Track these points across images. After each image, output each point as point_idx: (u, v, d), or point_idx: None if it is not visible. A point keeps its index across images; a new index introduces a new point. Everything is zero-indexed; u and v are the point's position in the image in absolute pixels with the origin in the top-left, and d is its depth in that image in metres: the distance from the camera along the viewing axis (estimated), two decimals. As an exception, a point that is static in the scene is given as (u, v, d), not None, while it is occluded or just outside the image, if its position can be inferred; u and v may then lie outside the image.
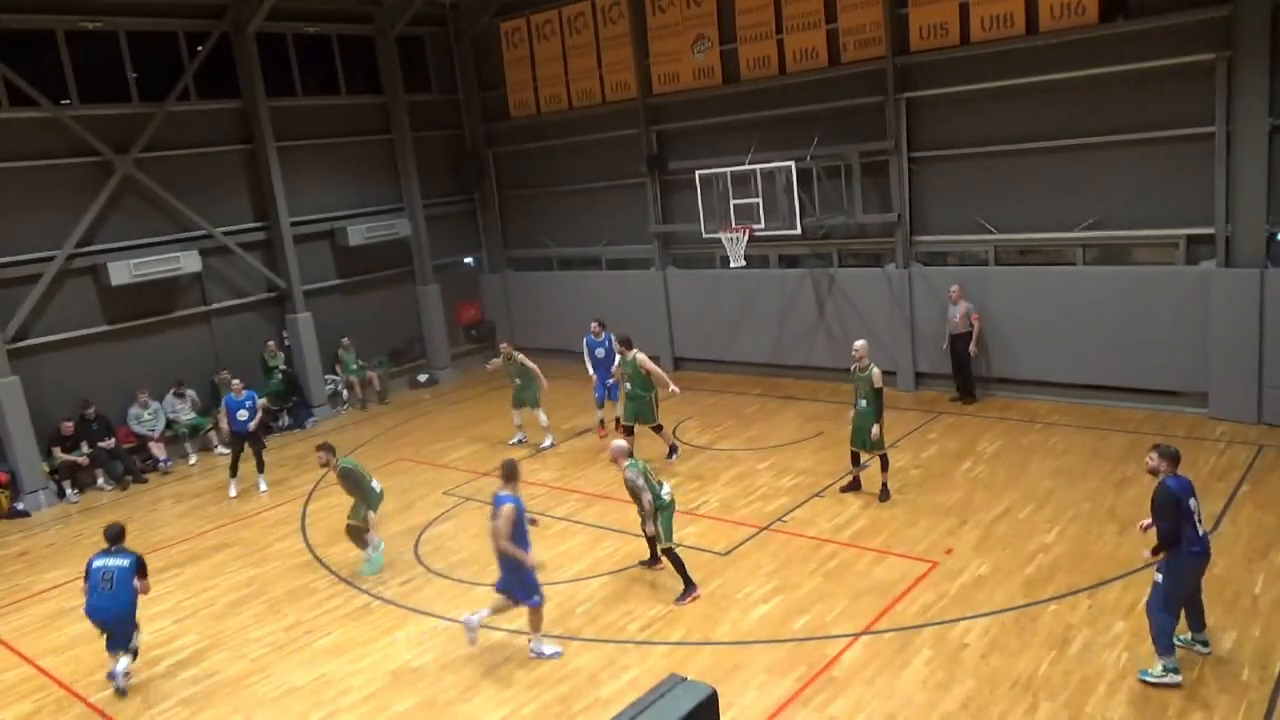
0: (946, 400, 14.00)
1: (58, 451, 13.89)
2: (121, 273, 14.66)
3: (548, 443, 13.98)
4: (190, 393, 15.51)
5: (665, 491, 8.91)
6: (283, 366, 16.77)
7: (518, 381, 13.94)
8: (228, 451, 14.85)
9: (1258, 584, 7.96)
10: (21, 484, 13.61)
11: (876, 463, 10.61)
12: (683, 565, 8.79)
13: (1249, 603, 7.68)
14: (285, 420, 16.69)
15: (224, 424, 13.10)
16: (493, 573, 9.72)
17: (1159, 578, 6.69)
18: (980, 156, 13.61)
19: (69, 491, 13.91)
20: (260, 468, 13.54)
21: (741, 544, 9.86)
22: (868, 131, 14.31)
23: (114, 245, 15.03)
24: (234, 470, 13.40)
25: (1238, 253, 11.70)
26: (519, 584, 7.92)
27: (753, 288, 16.31)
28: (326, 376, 17.48)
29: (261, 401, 13.95)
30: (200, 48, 15.92)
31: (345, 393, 17.67)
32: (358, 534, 10.10)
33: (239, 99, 16.37)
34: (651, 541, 9.07)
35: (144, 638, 9.16)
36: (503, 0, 18.62)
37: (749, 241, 14.32)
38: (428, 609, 9.17)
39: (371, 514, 10.01)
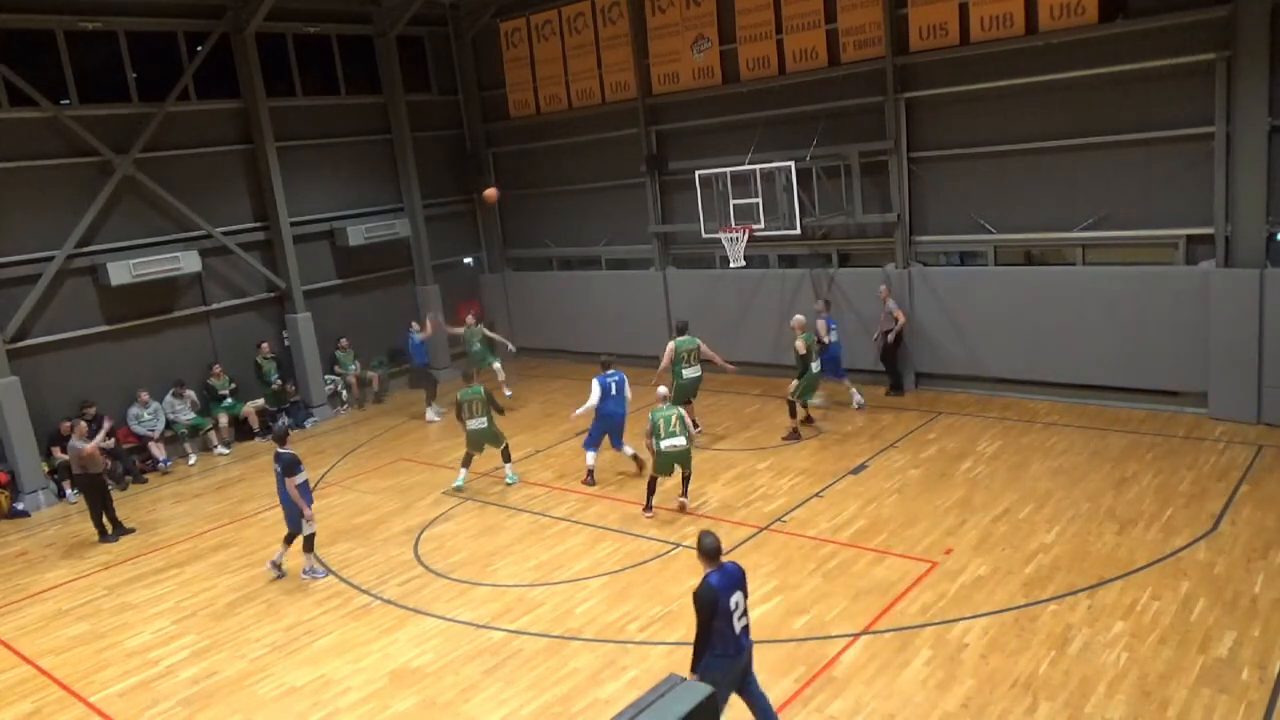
0: (948, 399, 14.02)
1: (57, 451, 13.88)
2: (121, 273, 14.65)
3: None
4: (190, 393, 15.51)
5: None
6: (275, 382, 16.64)
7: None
8: (227, 452, 15.90)
9: (1257, 584, 7.96)
10: (21, 484, 13.61)
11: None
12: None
13: (1248, 603, 7.68)
14: (285, 420, 16.68)
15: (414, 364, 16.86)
16: (492, 573, 9.83)
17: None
18: (980, 156, 13.61)
19: (69, 491, 13.88)
20: (429, 400, 16.34)
21: (741, 544, 9.86)
22: (867, 131, 14.32)
23: (114, 245, 15.03)
24: (430, 400, 16.40)
25: (1237, 253, 11.70)
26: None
27: (752, 288, 16.31)
28: (326, 377, 17.48)
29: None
30: (200, 48, 15.92)
31: (344, 393, 17.67)
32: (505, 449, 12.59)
33: (239, 99, 16.36)
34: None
35: (145, 638, 9.23)
36: (502, 0, 18.64)
37: (749, 241, 14.31)
38: (428, 609, 9.16)
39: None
